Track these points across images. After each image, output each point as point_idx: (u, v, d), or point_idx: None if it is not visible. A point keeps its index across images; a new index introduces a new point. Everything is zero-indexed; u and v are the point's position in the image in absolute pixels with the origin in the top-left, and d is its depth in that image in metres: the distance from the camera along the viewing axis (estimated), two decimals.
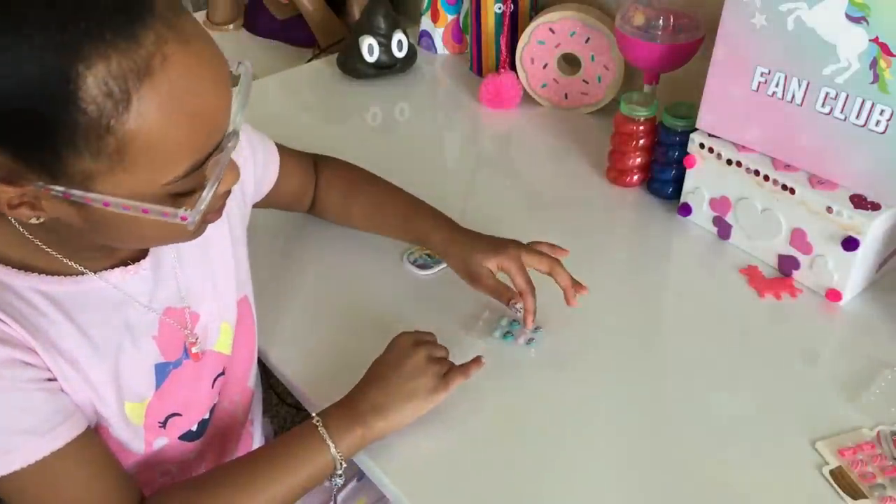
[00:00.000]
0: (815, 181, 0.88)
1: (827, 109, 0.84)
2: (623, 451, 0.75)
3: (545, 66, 1.26)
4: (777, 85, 0.87)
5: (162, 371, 0.71)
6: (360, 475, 0.97)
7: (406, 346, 0.76)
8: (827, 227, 0.87)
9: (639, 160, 1.07)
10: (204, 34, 0.54)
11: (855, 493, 0.70)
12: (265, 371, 0.90)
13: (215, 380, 0.78)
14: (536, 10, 1.30)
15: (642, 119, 1.04)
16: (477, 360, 0.78)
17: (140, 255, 0.69)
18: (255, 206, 0.88)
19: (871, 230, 0.84)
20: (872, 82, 0.79)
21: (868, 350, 0.84)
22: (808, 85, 0.84)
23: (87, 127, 0.49)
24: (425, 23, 1.47)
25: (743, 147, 0.93)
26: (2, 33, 0.48)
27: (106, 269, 0.66)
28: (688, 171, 1.00)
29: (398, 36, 1.36)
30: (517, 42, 1.26)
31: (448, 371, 0.76)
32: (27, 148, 0.51)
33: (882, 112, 0.80)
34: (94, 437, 0.66)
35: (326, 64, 1.47)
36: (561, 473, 0.73)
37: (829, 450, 0.73)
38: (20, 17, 0.47)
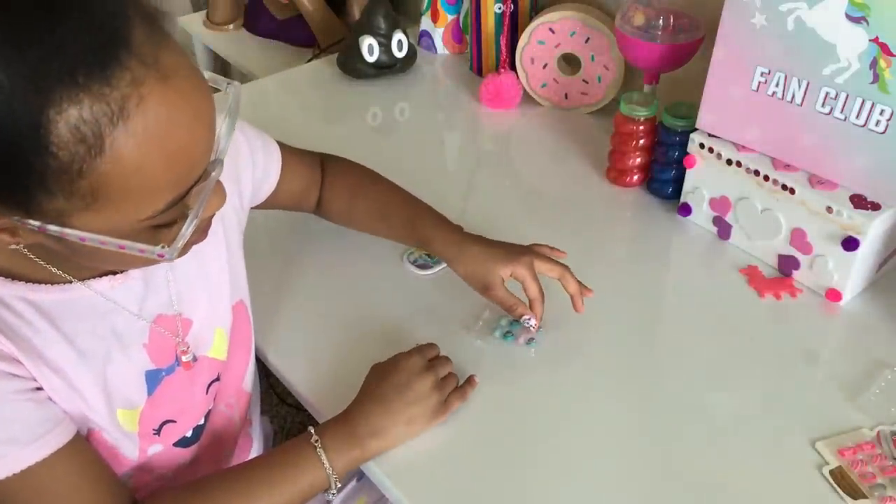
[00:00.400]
0: (815, 181, 0.88)
1: (827, 109, 0.84)
2: (623, 451, 0.75)
3: (545, 66, 1.26)
4: (777, 85, 0.87)
5: (153, 378, 0.71)
6: (360, 475, 0.97)
7: (415, 370, 0.76)
8: (827, 227, 0.87)
9: (639, 160, 1.07)
10: (185, 65, 0.51)
11: (855, 493, 0.70)
12: (265, 371, 0.90)
13: (210, 385, 0.77)
14: (536, 10, 1.30)
15: (642, 119, 1.04)
16: (471, 381, 0.80)
17: None
18: (258, 207, 0.88)
19: (871, 230, 0.84)
20: (872, 82, 0.79)
21: (868, 350, 0.84)
22: (808, 85, 0.84)
23: (59, 171, 0.47)
24: (425, 23, 1.47)
25: (743, 147, 0.93)
26: None
27: (94, 278, 0.65)
28: (688, 171, 1.00)
29: (398, 36, 1.36)
30: (517, 42, 1.26)
31: (448, 395, 0.77)
32: (0, 187, 0.50)
33: (882, 112, 0.80)
34: (85, 444, 0.66)
35: (326, 64, 1.47)
36: (561, 473, 0.73)
37: (830, 450, 0.73)
38: None
